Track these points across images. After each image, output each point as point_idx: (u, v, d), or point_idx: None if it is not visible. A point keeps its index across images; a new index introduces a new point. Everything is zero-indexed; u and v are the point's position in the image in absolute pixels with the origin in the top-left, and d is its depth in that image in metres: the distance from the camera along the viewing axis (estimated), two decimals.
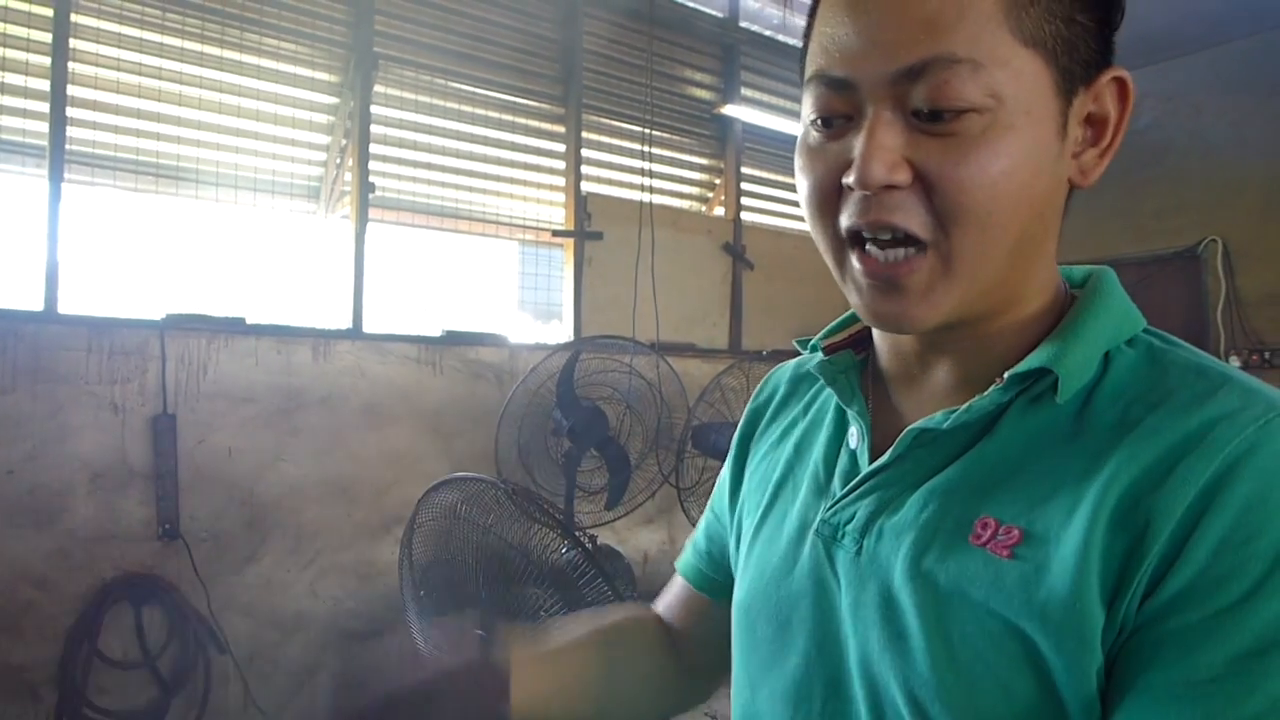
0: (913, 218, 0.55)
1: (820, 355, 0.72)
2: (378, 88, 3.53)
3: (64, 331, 2.79)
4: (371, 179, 3.52)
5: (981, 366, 0.62)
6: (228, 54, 3.21)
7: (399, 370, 3.49)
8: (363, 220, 3.49)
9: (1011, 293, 0.60)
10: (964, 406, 0.59)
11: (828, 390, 0.73)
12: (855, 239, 0.58)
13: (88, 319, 2.86)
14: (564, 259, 4.22)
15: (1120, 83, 0.58)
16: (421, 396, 3.53)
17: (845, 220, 0.57)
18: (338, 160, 3.54)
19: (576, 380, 3.31)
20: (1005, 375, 0.58)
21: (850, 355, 0.73)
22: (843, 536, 0.64)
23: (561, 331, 4.19)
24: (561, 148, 4.13)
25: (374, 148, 3.54)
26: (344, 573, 3.27)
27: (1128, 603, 0.50)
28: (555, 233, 4.13)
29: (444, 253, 4.55)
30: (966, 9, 0.53)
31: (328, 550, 3.25)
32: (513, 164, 4.00)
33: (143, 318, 2.96)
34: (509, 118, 3.96)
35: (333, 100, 3.48)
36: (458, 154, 3.83)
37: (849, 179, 0.56)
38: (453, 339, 3.68)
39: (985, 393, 0.59)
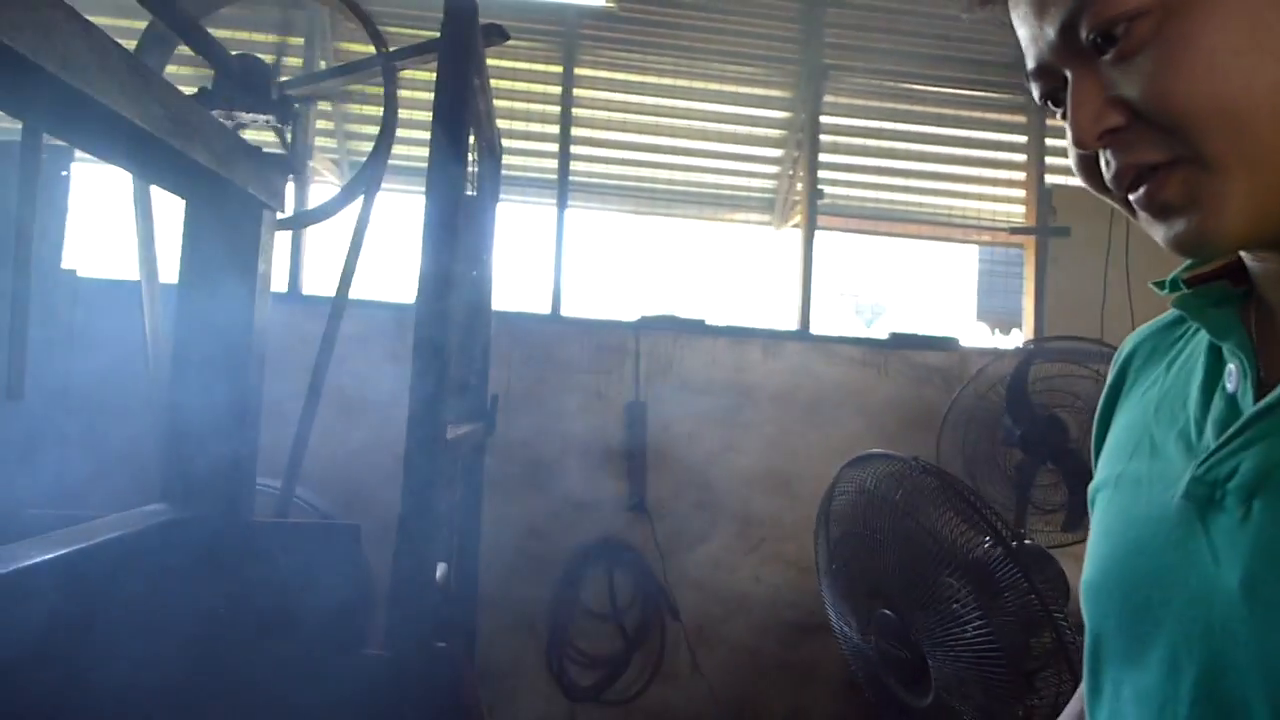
0: (1147, 150, 0.52)
1: (1182, 291, 0.62)
2: (827, 98, 3.66)
3: (564, 330, 3.36)
4: (820, 186, 3.65)
5: None
6: (695, 84, 3.59)
7: (844, 371, 3.55)
8: (811, 227, 3.62)
9: None
10: None
11: (1197, 337, 0.62)
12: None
13: (581, 320, 3.41)
14: (1024, 259, 3.92)
15: None
16: (865, 398, 3.55)
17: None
18: (790, 172, 3.74)
19: (1031, 386, 3.07)
20: None
21: (1225, 286, 0.60)
22: (1222, 498, 0.53)
23: (1021, 338, 3.90)
24: (1022, 139, 3.86)
25: (823, 156, 3.66)
26: (785, 563, 3.41)
27: None
28: (1013, 230, 3.86)
29: (892, 257, 4.52)
30: None
31: (771, 539, 3.42)
32: (967, 161, 3.84)
33: (622, 319, 3.44)
34: (963, 113, 3.81)
35: (785, 114, 3.69)
36: (908, 155, 3.79)
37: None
38: (900, 342, 3.64)
39: None
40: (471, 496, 2.41)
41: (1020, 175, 3.86)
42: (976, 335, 4.74)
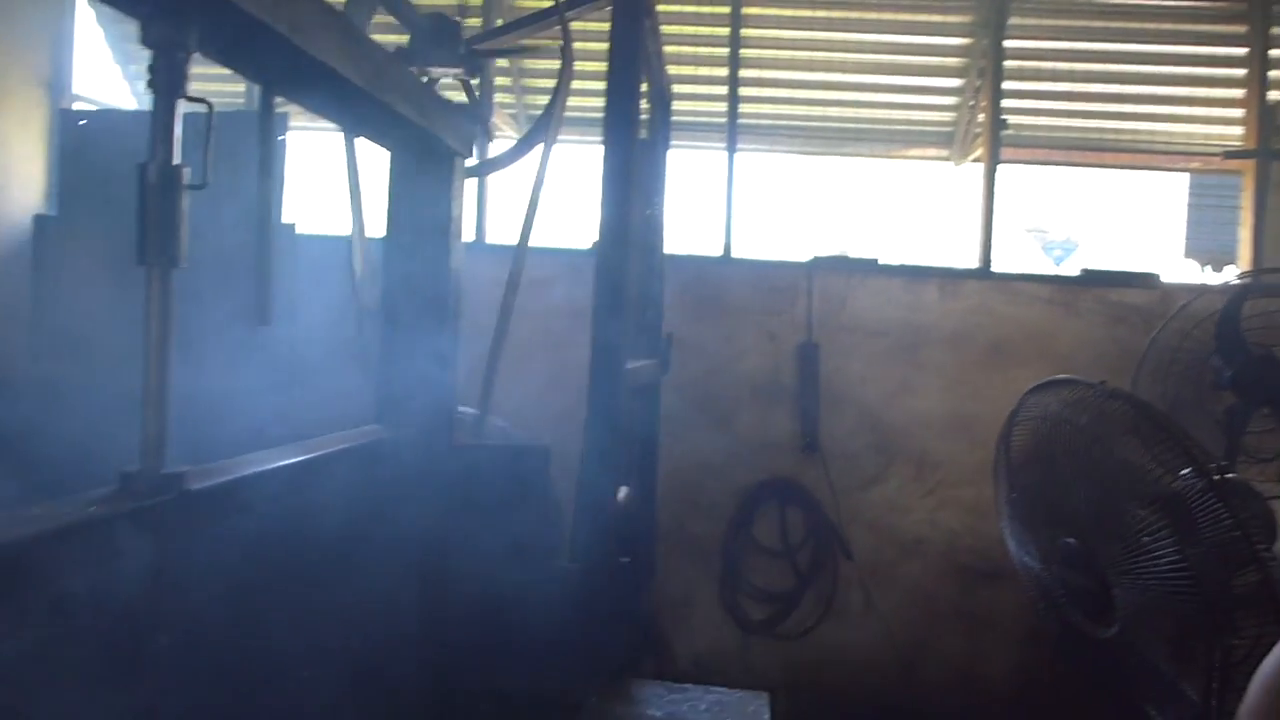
0: None
1: None
2: (1013, 19, 3.44)
3: (735, 272, 3.39)
4: (1004, 116, 3.45)
5: None
6: (868, 16, 3.47)
7: (1028, 311, 3.39)
8: (993, 160, 3.45)
9: None
10: None
11: None
12: None
13: (752, 262, 3.42)
14: (1242, 187, 3.57)
15: None
16: (1052, 339, 3.37)
17: None
18: (971, 102, 3.56)
19: (1245, 322, 2.82)
20: None
21: None
22: None
23: (1234, 275, 3.56)
24: (1241, 51, 3.48)
25: (1008, 84, 3.46)
26: (962, 507, 3.33)
27: None
28: (1228, 155, 3.51)
29: (1088, 189, 4.23)
30: None
31: (948, 483, 3.35)
32: (1173, 80, 3.51)
33: (793, 260, 3.43)
34: (1169, 26, 3.48)
35: (965, 41, 3.51)
36: (1104, 77, 3.51)
37: None
38: (1092, 279, 3.42)
39: None
40: (649, 429, 2.52)
41: (1238, 93, 3.50)
42: (1184, 274, 4.37)
